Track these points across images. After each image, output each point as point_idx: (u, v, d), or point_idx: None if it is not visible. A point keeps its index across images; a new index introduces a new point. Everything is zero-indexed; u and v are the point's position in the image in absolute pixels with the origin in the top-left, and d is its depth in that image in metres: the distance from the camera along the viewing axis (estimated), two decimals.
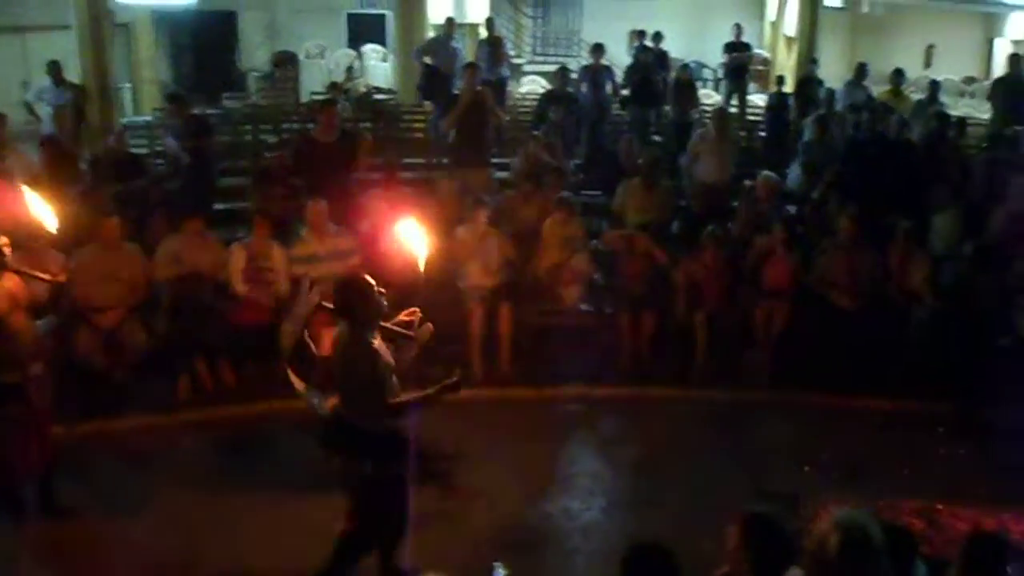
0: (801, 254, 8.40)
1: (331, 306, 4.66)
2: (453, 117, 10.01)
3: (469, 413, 6.06)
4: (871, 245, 8.30)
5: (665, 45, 14.52)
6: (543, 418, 7.35)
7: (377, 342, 4.55)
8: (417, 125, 13.41)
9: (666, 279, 8.31)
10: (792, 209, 9.84)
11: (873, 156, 9.70)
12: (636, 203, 9.05)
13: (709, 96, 15.52)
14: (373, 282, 4.59)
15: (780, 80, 14.22)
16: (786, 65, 17.32)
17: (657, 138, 12.60)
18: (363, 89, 14.56)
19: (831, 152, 10.35)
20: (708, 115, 12.01)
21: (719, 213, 9.18)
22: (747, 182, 9.81)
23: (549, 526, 5.89)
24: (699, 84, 14.86)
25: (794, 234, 8.68)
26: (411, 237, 4.85)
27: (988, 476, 6.45)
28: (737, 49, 14.85)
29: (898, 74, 12.92)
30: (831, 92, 12.53)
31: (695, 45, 18.07)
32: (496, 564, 4.68)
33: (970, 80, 18.17)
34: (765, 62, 18.25)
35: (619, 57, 14.70)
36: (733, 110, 13.92)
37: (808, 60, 14.81)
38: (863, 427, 7.30)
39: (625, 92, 13.13)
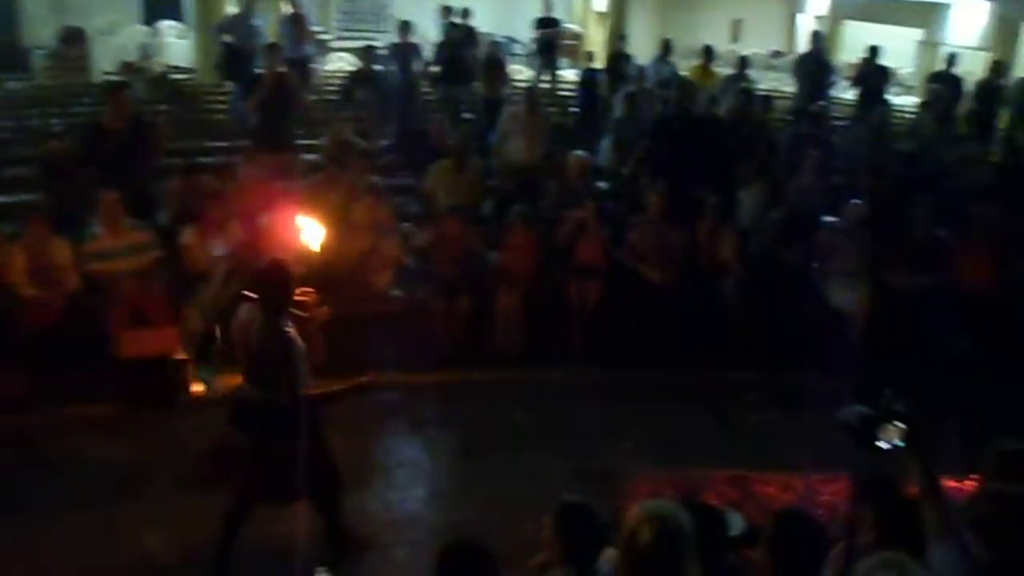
0: (612, 230, 8.49)
1: (253, 295, 4.66)
2: (255, 99, 9.63)
3: None
4: (680, 220, 8.47)
5: (474, 21, 14.34)
6: (358, 408, 7.09)
7: (292, 330, 4.54)
8: (218, 107, 12.85)
9: (480, 261, 8.23)
10: (603, 185, 9.91)
11: (680, 132, 9.92)
12: (447, 185, 8.91)
13: (520, 72, 15.48)
14: (291, 271, 4.65)
15: (590, 56, 14.28)
16: (596, 40, 17.48)
17: (468, 116, 12.48)
18: (158, 69, 13.80)
19: (641, 128, 10.46)
20: (519, 92, 11.97)
21: (530, 192, 9.16)
22: (557, 159, 9.81)
23: (368, 520, 5.72)
24: (510, 60, 14.78)
25: (605, 210, 8.76)
26: (302, 225, 4.85)
27: (797, 441, 6.63)
28: (547, 24, 14.79)
29: (707, 50, 13.20)
30: (641, 68, 12.70)
31: (505, 20, 17.95)
32: (320, 570, 4.50)
33: (777, 54, 18.83)
34: (576, 37, 18.35)
35: (429, 33, 14.49)
36: (545, 86, 13.93)
37: (618, 36, 14.93)
38: (677, 399, 7.46)
39: (434, 69, 12.95)
